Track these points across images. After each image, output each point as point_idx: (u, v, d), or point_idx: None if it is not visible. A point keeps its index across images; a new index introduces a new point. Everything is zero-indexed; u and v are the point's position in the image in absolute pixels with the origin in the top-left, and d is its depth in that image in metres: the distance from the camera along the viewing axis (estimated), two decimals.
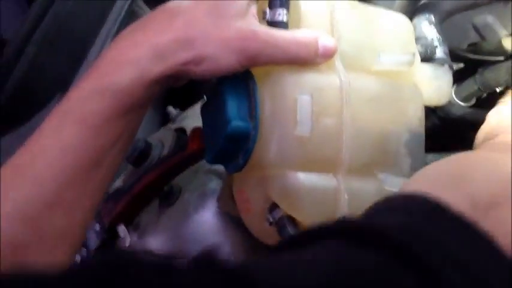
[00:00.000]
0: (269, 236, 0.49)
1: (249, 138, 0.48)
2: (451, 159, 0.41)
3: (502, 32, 0.64)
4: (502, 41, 0.67)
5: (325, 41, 0.48)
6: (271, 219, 0.48)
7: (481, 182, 0.37)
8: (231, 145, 0.48)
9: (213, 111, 0.51)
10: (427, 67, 0.55)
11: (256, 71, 0.49)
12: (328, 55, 0.48)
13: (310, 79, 0.48)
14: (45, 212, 0.43)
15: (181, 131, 0.71)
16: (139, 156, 0.68)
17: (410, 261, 0.26)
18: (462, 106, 0.70)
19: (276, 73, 0.48)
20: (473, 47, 0.70)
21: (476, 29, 0.64)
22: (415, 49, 0.55)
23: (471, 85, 0.70)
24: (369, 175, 0.50)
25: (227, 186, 0.56)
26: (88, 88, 0.45)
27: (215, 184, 0.61)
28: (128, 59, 0.45)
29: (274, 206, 0.48)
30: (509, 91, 0.64)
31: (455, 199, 0.33)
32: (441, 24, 0.60)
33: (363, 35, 0.51)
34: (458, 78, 0.73)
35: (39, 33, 0.72)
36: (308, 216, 0.47)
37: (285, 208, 0.47)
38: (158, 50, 0.45)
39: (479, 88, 0.69)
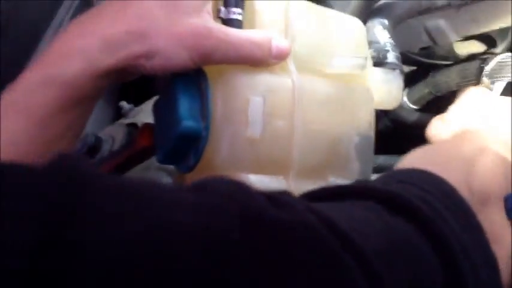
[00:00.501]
0: None
1: (200, 138, 0.47)
2: (456, 143, 0.45)
3: (453, 37, 0.65)
4: (453, 46, 0.69)
5: (279, 42, 0.48)
6: None
7: (480, 175, 0.40)
8: (182, 145, 0.47)
9: (165, 109, 0.50)
10: (378, 71, 0.56)
11: (209, 70, 0.48)
12: (281, 56, 0.48)
13: (263, 80, 0.48)
14: None
15: (133, 126, 0.70)
16: (88, 151, 0.67)
17: (432, 235, 0.32)
18: (412, 110, 0.72)
19: (228, 73, 0.47)
20: (425, 51, 0.72)
21: (428, 33, 0.65)
22: (368, 53, 0.55)
23: (422, 88, 0.72)
24: (319, 178, 0.50)
25: (177, 184, 0.56)
26: (34, 79, 0.43)
27: (166, 181, 0.60)
28: (76, 49, 0.43)
29: None
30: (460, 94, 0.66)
31: (458, 184, 0.38)
32: (394, 28, 0.61)
33: (317, 37, 0.52)
34: (410, 81, 0.75)
35: None
36: None
37: None
38: (108, 42, 0.43)
39: (430, 91, 0.71)
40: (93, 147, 0.67)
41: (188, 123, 0.46)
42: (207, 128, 0.47)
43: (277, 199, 0.29)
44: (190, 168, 0.49)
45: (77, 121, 0.45)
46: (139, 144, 0.53)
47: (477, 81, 0.62)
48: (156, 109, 0.53)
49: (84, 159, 0.26)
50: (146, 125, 0.55)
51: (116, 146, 0.67)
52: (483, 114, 0.57)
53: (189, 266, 0.23)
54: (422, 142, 0.59)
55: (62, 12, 0.75)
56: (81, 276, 0.21)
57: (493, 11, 0.61)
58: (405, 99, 0.73)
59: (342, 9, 0.60)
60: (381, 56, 0.56)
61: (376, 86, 0.55)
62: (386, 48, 0.56)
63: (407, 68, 0.74)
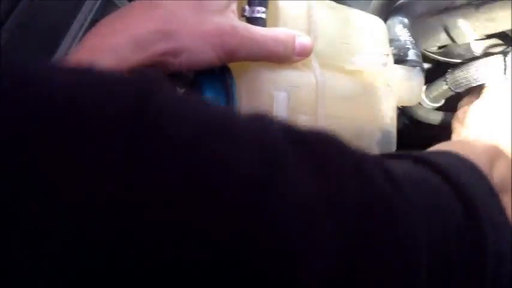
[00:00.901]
0: None
1: None
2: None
3: (472, 35, 0.66)
4: (471, 45, 0.70)
5: (302, 39, 0.49)
6: None
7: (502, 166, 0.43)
8: None
9: None
10: (399, 68, 0.56)
11: (234, 67, 0.49)
12: (304, 54, 0.49)
13: (287, 76, 0.49)
14: None
15: None
16: None
17: (463, 197, 0.35)
18: (430, 109, 0.72)
19: (253, 69, 0.48)
20: (444, 49, 0.72)
21: (447, 31, 0.66)
22: (389, 51, 0.56)
23: (441, 85, 0.72)
24: None
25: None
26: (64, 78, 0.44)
27: None
28: (106, 47, 0.44)
29: None
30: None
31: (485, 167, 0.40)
32: (414, 26, 0.62)
33: (339, 35, 0.53)
34: (428, 79, 0.75)
35: (13, 19, 0.70)
36: None
37: None
38: (137, 39, 0.44)
39: (449, 88, 0.71)
40: None
41: None
42: None
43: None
44: None
45: None
46: None
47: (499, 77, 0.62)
48: None
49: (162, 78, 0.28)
50: None
51: None
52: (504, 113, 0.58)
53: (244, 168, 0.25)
54: (440, 141, 0.60)
55: (84, 12, 0.76)
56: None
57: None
58: (423, 96, 0.74)
59: (363, 9, 0.61)
60: (401, 54, 0.57)
61: (397, 83, 0.56)
62: (407, 46, 0.57)
63: (425, 66, 0.75)
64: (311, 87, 0.49)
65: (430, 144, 0.53)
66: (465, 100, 0.67)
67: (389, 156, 0.39)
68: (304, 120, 0.49)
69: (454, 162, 0.38)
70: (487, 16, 0.63)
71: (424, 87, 0.76)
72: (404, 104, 0.58)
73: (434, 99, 0.74)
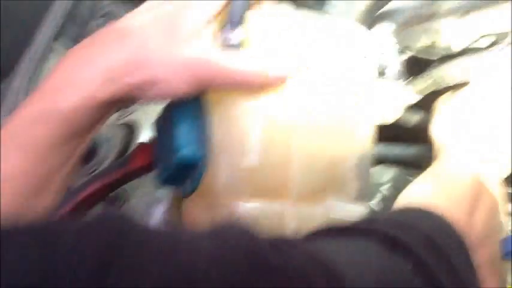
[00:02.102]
0: None
1: (198, 166, 0.47)
2: (463, 182, 0.47)
3: (455, 41, 0.64)
4: (451, 45, 0.67)
5: (280, 65, 0.47)
6: None
7: (482, 214, 0.42)
8: (180, 172, 0.47)
9: (165, 131, 0.49)
10: (379, 84, 0.55)
11: (208, 95, 0.47)
12: (281, 80, 0.47)
13: (261, 107, 0.47)
14: None
15: (128, 127, 0.69)
16: (85, 154, 0.67)
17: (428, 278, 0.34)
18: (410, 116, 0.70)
19: (227, 99, 0.47)
20: (425, 48, 0.70)
21: (429, 36, 0.63)
22: (373, 63, 0.54)
23: (425, 80, 0.70)
24: (317, 201, 0.50)
25: (175, 199, 0.55)
26: (33, 113, 0.42)
27: (162, 192, 0.60)
28: (74, 81, 0.42)
29: None
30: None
31: (461, 223, 0.39)
32: (400, 33, 0.59)
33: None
34: (410, 73, 0.73)
35: None
36: None
37: None
38: (107, 72, 0.43)
39: (433, 82, 0.69)
40: (90, 150, 0.66)
41: (186, 151, 0.46)
42: (205, 155, 0.47)
43: (279, 244, 0.32)
44: (187, 194, 0.49)
45: (77, 151, 0.45)
46: (134, 164, 0.52)
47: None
48: (157, 127, 0.52)
49: (126, 218, 0.31)
50: (141, 145, 0.54)
51: (113, 150, 0.66)
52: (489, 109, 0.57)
53: None
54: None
55: (55, 7, 0.73)
56: None
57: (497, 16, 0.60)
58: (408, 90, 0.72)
59: (346, 14, 0.58)
60: (383, 66, 0.55)
61: (377, 99, 0.54)
62: (390, 57, 0.55)
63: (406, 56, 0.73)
64: (286, 117, 0.47)
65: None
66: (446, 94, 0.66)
67: (359, 233, 0.38)
68: (278, 151, 0.47)
69: (426, 234, 0.38)
70: (471, 22, 0.61)
71: (407, 81, 0.74)
72: (383, 122, 0.56)
73: (419, 93, 0.72)
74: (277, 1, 0.51)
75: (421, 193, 0.46)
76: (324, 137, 0.50)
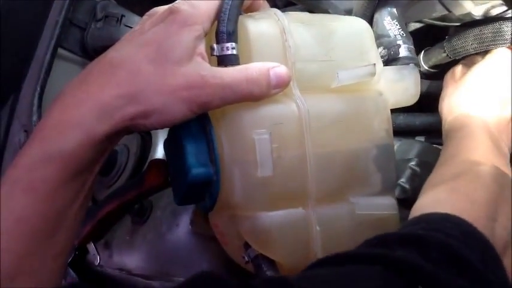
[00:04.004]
0: (249, 267, 0.49)
1: (211, 182, 0.46)
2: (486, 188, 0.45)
3: (468, 4, 0.60)
4: (471, 10, 0.64)
5: (278, 70, 0.46)
6: (246, 258, 0.48)
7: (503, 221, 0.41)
8: (194, 190, 0.47)
9: (174, 152, 0.49)
10: (391, 70, 0.53)
11: (211, 111, 0.46)
12: (282, 85, 0.46)
13: (267, 114, 0.46)
14: (7, 283, 0.41)
15: (145, 132, 0.69)
16: (105, 166, 0.67)
17: None
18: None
19: (231, 112, 0.46)
20: (441, 17, 0.67)
21: (442, 3, 0.60)
22: (377, 54, 0.52)
23: (439, 52, 0.68)
24: (340, 199, 0.49)
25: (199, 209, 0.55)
26: (34, 155, 0.42)
27: None
28: (72, 121, 0.42)
29: (248, 244, 0.48)
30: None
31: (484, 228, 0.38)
32: (404, 14, 0.56)
33: (319, 53, 0.49)
34: (426, 44, 0.70)
35: None
36: (282, 255, 0.47)
37: (258, 248, 0.47)
38: (102, 108, 0.42)
39: (447, 55, 0.67)
40: (110, 161, 0.67)
41: (197, 171, 0.46)
42: (217, 171, 0.46)
43: None
44: (208, 209, 0.49)
45: (84, 187, 0.45)
46: (149, 183, 0.52)
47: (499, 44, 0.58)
48: (167, 148, 0.52)
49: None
50: (154, 162, 0.55)
51: (132, 158, 0.67)
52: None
53: None
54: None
55: (54, 13, 0.73)
56: None
57: None
58: (421, 63, 0.70)
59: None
60: (392, 53, 0.53)
61: (390, 86, 0.53)
62: (397, 43, 0.53)
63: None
64: (294, 119, 0.47)
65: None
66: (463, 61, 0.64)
67: (362, 260, 0.36)
68: (291, 156, 0.46)
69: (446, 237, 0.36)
70: None
71: (422, 53, 0.71)
72: (402, 106, 0.54)
73: (433, 66, 0.70)
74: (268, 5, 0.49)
75: (439, 200, 0.44)
76: (339, 132, 0.48)
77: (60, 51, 0.80)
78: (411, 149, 0.74)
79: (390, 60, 0.53)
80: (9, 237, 0.41)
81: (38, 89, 0.76)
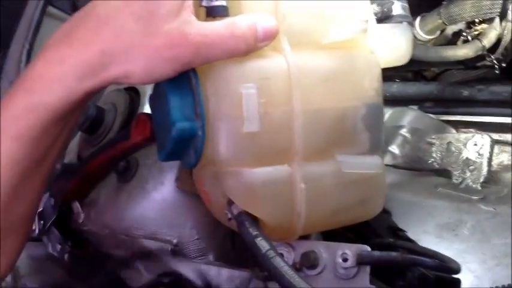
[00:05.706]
0: (231, 225, 0.49)
1: (196, 137, 0.46)
2: None
3: None
4: None
5: (265, 23, 0.44)
6: (229, 215, 0.47)
7: None
8: (179, 145, 0.46)
9: (159, 105, 0.48)
10: (384, 28, 0.51)
11: None
12: (269, 38, 0.45)
13: (255, 68, 0.45)
14: (6, 207, 0.45)
15: (133, 91, 0.68)
16: (91, 124, 0.67)
17: None
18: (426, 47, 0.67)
19: (218, 66, 0.45)
20: None
21: None
22: (370, 11, 0.50)
23: (435, 19, 0.67)
24: (326, 158, 0.48)
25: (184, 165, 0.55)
26: (19, 106, 0.44)
27: None
28: (55, 76, 0.44)
29: (231, 201, 0.47)
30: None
31: None
32: None
33: (309, 7, 0.47)
34: (422, 9, 0.69)
35: None
36: (265, 212, 0.46)
37: (241, 205, 0.46)
38: (84, 67, 0.43)
39: (443, 22, 0.66)
40: (96, 120, 0.67)
41: (181, 125, 0.45)
42: (202, 126, 0.45)
43: None
44: (192, 165, 0.48)
45: (63, 131, 0.47)
46: (135, 138, 0.52)
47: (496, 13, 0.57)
48: (152, 102, 0.51)
49: None
50: (140, 116, 0.54)
51: (119, 117, 0.66)
52: None
53: None
54: None
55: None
56: None
57: None
58: (418, 29, 0.69)
59: None
60: (385, 10, 0.52)
61: (383, 44, 0.51)
62: (391, 0, 0.51)
63: None
64: (283, 76, 0.45)
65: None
66: None
67: None
68: (279, 112, 0.45)
69: None
70: None
71: (418, 19, 0.70)
72: (393, 65, 0.53)
73: (429, 32, 0.69)
74: None
75: None
76: (328, 90, 0.47)
77: (51, 9, 0.79)
78: (403, 116, 0.74)
79: (383, 18, 0.51)
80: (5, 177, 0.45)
81: (27, 46, 0.76)
